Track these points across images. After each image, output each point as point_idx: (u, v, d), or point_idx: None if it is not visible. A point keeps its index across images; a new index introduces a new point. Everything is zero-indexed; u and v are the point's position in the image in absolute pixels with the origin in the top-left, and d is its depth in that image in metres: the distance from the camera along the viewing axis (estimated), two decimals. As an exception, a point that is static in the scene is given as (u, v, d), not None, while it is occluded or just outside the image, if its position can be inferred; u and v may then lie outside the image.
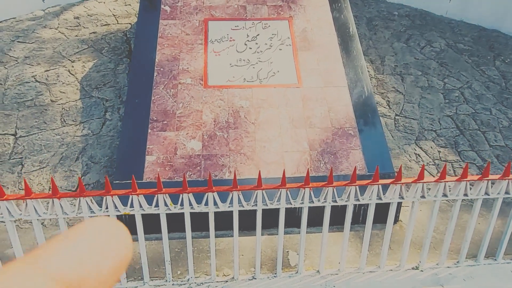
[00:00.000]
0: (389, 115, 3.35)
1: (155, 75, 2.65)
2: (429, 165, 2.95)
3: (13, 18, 4.57)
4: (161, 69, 2.69)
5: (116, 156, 2.49)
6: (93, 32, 4.04)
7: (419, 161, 2.96)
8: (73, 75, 3.44)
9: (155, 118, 2.47)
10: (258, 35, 2.93)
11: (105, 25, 4.20)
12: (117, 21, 4.30)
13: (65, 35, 3.99)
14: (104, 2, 4.73)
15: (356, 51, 2.92)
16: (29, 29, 4.11)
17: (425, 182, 1.84)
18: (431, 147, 3.09)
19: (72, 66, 3.53)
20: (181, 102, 2.55)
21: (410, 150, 3.04)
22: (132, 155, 2.34)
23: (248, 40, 2.89)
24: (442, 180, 1.82)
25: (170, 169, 2.30)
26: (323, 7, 3.11)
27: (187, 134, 2.43)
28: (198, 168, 2.31)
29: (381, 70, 3.80)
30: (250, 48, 2.85)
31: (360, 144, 2.48)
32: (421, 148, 3.08)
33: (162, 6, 3.03)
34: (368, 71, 3.75)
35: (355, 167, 1.76)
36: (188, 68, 2.71)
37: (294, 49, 2.86)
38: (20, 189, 2.59)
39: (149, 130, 2.42)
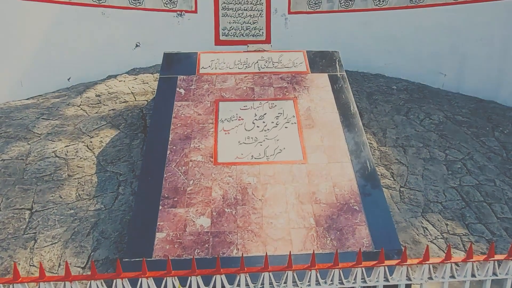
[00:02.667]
0: (394, 187, 3.41)
1: (168, 153, 2.82)
2: (437, 239, 2.94)
3: (40, 95, 4.98)
4: (174, 147, 2.87)
5: (127, 233, 2.56)
6: (112, 109, 4.35)
7: (427, 235, 2.95)
8: (91, 150, 3.66)
9: (166, 195, 2.58)
10: (265, 114, 3.14)
11: (123, 102, 4.53)
12: (135, 98, 4.64)
13: (86, 112, 4.30)
14: (124, 81, 5.15)
15: (357, 128, 3.10)
16: (54, 106, 4.45)
17: (430, 263, 1.85)
18: (438, 220, 3.10)
19: (91, 142, 3.76)
20: (192, 179, 2.68)
21: (417, 223, 3.05)
22: (143, 232, 2.41)
23: (255, 119, 3.10)
24: (448, 261, 1.83)
25: (179, 247, 2.34)
26: (325, 88, 3.36)
27: (197, 210, 2.51)
28: (207, 245, 2.35)
29: (384, 142, 3.96)
30: (258, 127, 3.04)
31: (366, 220, 2.52)
32: (428, 221, 3.09)
33: (177, 89, 3.32)
34: (371, 143, 3.91)
35: (360, 249, 1.79)
36: (199, 146, 2.88)
37: (299, 127, 3.05)
38: (31, 265, 2.63)
39: (160, 207, 2.52)
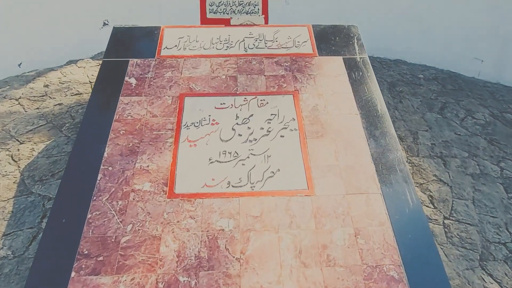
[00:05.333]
0: (436, 219, 2.42)
1: (98, 178, 1.83)
2: (510, 307, 1.97)
3: (-21, 85, 3.98)
4: (109, 168, 1.87)
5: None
6: (58, 104, 3.35)
7: (494, 301, 1.98)
8: (15, 162, 2.67)
9: (86, 252, 1.60)
10: (251, 115, 2.14)
11: (75, 94, 3.53)
12: (92, 89, 3.64)
13: (24, 108, 3.30)
14: (84, 67, 4.14)
15: (389, 137, 2.09)
16: (-14, 100, 3.46)
17: None
18: (506, 274, 2.12)
19: (18, 150, 2.77)
20: (131, 223, 1.69)
21: (476, 280, 2.07)
22: (36, 322, 1.44)
23: (237, 124, 2.10)
24: None
25: None
26: (339, 77, 2.34)
27: (133, 280, 1.53)
28: None
29: (415, 151, 2.95)
30: (240, 135, 2.04)
31: (411, 296, 1.54)
32: (491, 275, 2.11)
33: (127, 78, 2.30)
34: (398, 152, 2.90)
35: None
36: (148, 166, 1.89)
37: (301, 136, 2.04)
38: None
39: (73, 274, 1.54)
